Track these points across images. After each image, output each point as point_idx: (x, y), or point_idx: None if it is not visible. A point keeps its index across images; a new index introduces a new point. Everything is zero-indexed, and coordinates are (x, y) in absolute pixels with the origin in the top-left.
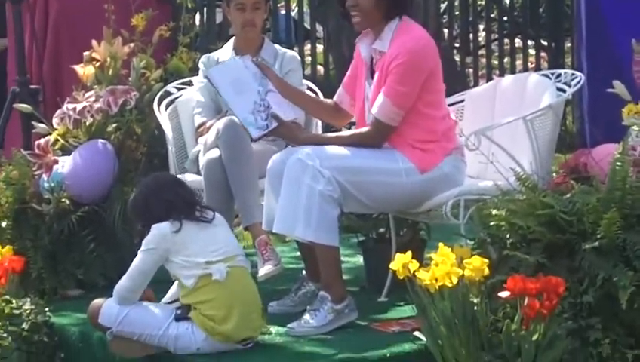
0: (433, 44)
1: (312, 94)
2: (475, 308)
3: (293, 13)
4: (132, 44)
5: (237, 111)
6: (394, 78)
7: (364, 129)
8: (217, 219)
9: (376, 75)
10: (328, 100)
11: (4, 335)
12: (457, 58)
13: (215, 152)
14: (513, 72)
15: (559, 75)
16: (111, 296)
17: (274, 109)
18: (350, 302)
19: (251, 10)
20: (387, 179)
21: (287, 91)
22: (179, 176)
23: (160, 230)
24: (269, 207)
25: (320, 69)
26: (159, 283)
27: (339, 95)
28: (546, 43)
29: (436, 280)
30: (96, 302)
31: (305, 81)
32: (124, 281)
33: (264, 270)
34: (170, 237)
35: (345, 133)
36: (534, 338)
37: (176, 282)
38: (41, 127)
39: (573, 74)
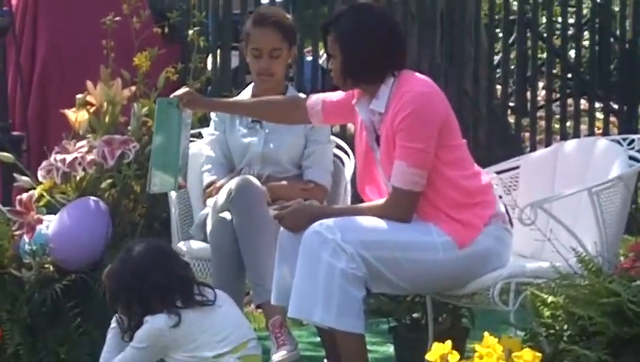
0: (439, 92)
1: (342, 153)
2: None
3: (321, 61)
4: (133, 87)
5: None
6: (402, 135)
7: (384, 200)
8: (220, 298)
9: (381, 141)
10: (284, 98)
11: None
12: (512, 120)
13: (226, 216)
14: (577, 137)
15: (632, 142)
16: None
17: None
18: None
19: (268, 58)
20: (422, 255)
21: (220, 107)
22: (181, 243)
23: (155, 325)
24: (280, 278)
25: (351, 126)
26: None
27: (315, 102)
28: (616, 106)
29: None
30: None
31: (334, 138)
32: None
33: (278, 356)
34: (168, 333)
35: (363, 205)
36: None
37: None
38: (23, 180)
39: None
